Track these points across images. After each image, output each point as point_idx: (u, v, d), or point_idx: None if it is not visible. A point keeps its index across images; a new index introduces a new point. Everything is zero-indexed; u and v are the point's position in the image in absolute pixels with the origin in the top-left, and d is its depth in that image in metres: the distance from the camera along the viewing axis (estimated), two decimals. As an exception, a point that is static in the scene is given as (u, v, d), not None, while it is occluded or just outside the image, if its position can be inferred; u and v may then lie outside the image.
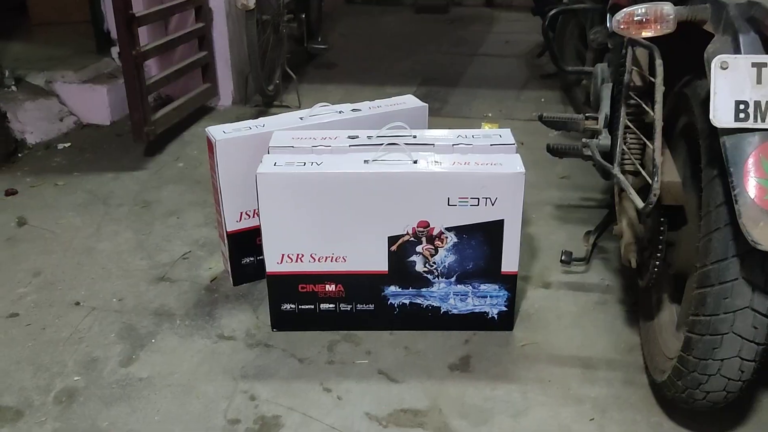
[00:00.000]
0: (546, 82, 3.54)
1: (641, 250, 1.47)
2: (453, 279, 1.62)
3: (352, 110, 1.84)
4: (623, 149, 1.42)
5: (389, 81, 3.58)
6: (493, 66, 3.90)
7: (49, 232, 2.14)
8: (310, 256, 1.60)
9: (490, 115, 3.08)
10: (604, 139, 1.55)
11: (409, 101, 1.91)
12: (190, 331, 1.70)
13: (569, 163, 2.53)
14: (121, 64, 2.34)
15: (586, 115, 1.63)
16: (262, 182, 1.52)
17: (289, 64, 3.27)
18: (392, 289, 1.63)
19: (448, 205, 1.53)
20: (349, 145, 1.64)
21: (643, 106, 1.35)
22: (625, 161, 1.43)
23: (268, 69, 3.08)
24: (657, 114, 1.20)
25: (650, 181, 1.21)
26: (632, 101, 1.40)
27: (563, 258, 1.88)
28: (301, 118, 1.80)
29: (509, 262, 1.60)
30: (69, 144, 2.78)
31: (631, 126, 1.38)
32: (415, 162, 1.54)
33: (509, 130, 1.72)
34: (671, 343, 1.40)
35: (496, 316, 1.66)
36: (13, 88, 2.83)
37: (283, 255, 1.60)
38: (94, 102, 2.90)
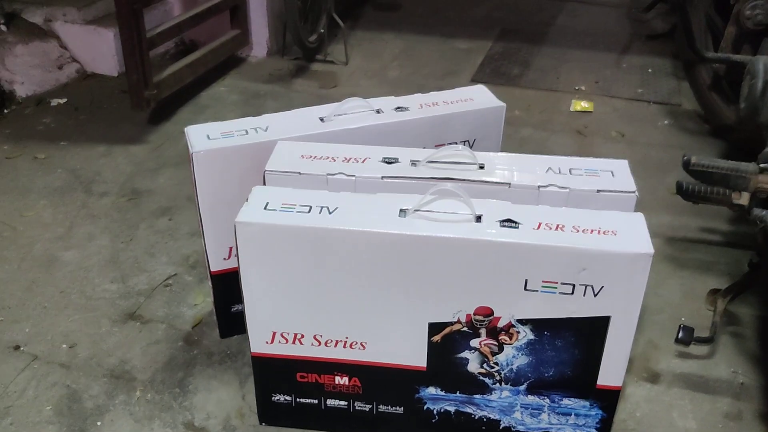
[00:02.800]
0: (654, 44, 2.86)
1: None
2: (522, 387, 1.09)
3: (396, 109, 1.29)
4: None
5: (460, 32, 2.95)
6: (588, 17, 3.21)
7: (10, 229, 1.69)
8: (314, 337, 1.09)
9: (583, 88, 2.45)
10: (793, 214, 0.96)
11: (480, 97, 1.34)
12: (150, 412, 1.23)
13: (686, 174, 1.92)
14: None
15: (761, 165, 1.03)
16: (245, 235, 1.00)
17: (345, 1, 2.68)
18: (431, 391, 1.11)
19: (525, 289, 0.99)
20: (382, 176, 1.09)
21: None
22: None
23: (311, 15, 2.51)
24: None
25: None
26: None
27: (680, 336, 1.32)
28: (321, 119, 1.25)
29: (610, 374, 1.05)
30: (65, 100, 2.30)
31: None
32: (479, 219, 0.99)
33: (626, 162, 1.14)
34: None
35: (581, 439, 1.13)
36: (3, 27, 2.34)
37: (274, 333, 1.09)
38: (100, 48, 2.40)
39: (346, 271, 1.01)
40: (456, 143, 1.29)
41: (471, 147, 1.30)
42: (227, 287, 1.30)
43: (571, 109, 2.28)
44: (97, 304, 1.46)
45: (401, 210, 1.01)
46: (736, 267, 1.56)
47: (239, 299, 1.29)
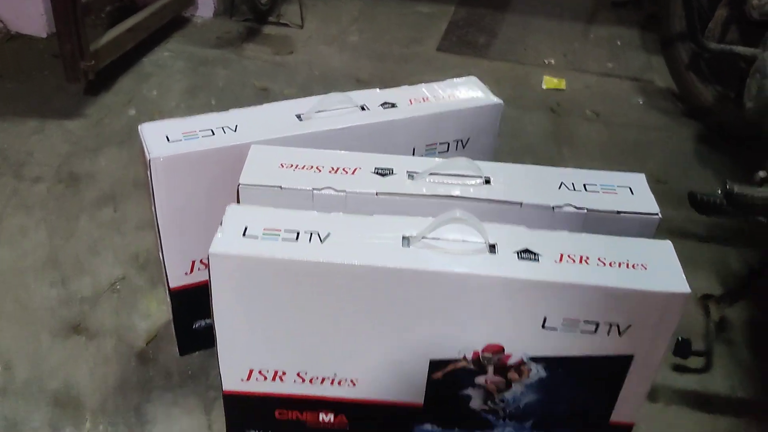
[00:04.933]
0: (620, 13, 2.76)
1: None
2: (528, 424, 0.99)
3: (383, 105, 1.14)
4: None
5: (421, -7, 2.78)
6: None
7: (-74, 221, 1.48)
8: (297, 374, 0.95)
9: (552, 62, 2.33)
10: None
11: (474, 92, 1.20)
12: (102, 448, 1.08)
13: (665, 158, 1.85)
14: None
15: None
16: (222, 269, 0.85)
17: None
18: (427, 427, 1.00)
19: (543, 327, 0.88)
20: (377, 192, 0.95)
21: None
22: None
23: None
24: None
25: None
26: None
27: (677, 350, 1.25)
28: (299, 117, 1.10)
29: (626, 410, 0.96)
30: (-14, 65, 2.05)
31: None
32: (493, 249, 0.87)
33: (644, 177, 1.04)
34: None
35: (585, 474, 1.04)
36: None
37: (251, 371, 0.95)
38: (25, 5, 2.13)
39: (340, 306, 0.88)
40: (448, 144, 1.16)
41: (464, 146, 1.18)
42: (189, 303, 1.15)
43: (543, 87, 2.16)
44: (34, 315, 1.29)
45: (404, 237, 0.87)
46: (723, 266, 1.50)
47: (202, 315, 1.16)
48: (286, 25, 2.41)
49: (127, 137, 1.76)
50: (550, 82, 2.16)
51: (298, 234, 0.87)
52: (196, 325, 1.19)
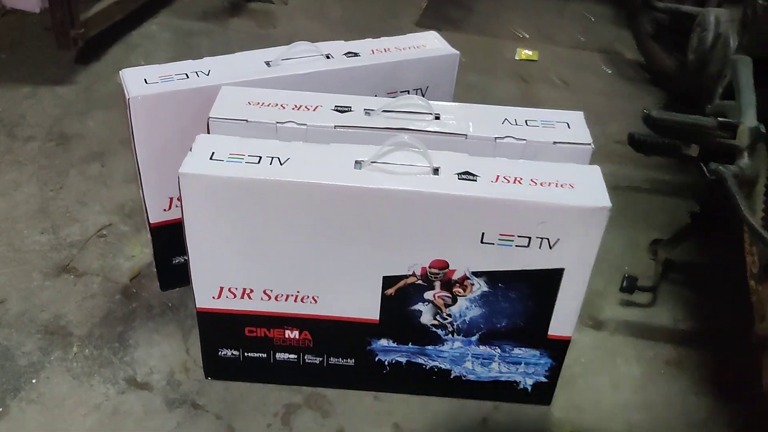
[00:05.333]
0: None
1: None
2: (474, 338, 1.09)
3: (346, 54, 1.23)
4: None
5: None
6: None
7: (-75, 176, 1.57)
8: (264, 292, 1.05)
9: (526, 36, 2.42)
10: (749, 168, 0.96)
11: (433, 44, 1.29)
12: (89, 368, 1.18)
13: (628, 122, 1.94)
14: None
15: (721, 120, 1.03)
16: (190, 188, 0.95)
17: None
18: (383, 342, 1.10)
19: (482, 242, 0.97)
20: (335, 125, 1.05)
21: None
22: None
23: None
24: None
25: None
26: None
27: (624, 285, 1.34)
28: (267, 64, 1.19)
29: (562, 325, 1.06)
30: (-19, 37, 2.14)
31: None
32: (436, 171, 0.97)
33: (582, 114, 1.13)
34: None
35: (529, 387, 1.14)
36: None
37: (222, 288, 1.05)
38: (18, -21, 2.23)
39: (298, 224, 0.97)
40: (408, 91, 1.25)
41: (423, 95, 1.27)
42: (168, 239, 1.24)
43: (516, 58, 2.26)
44: (27, 257, 1.38)
45: (357, 161, 0.97)
46: (676, 217, 1.59)
47: (181, 251, 1.23)
48: (270, 1, 2.50)
49: (114, 102, 1.83)
50: (522, 53, 2.25)
51: (260, 158, 0.97)
52: (176, 260, 1.29)
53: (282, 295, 1.05)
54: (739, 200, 0.86)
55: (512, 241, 0.97)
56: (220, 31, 2.27)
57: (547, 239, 0.96)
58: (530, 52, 2.27)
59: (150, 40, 2.17)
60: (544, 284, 1.01)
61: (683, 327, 1.34)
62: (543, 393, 1.15)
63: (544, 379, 1.13)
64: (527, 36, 2.42)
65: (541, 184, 0.96)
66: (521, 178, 0.96)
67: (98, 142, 1.70)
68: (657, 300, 1.39)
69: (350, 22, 2.42)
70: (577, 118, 1.11)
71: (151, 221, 1.22)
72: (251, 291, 1.05)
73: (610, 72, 2.22)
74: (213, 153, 0.97)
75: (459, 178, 0.96)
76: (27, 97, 1.86)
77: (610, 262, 1.46)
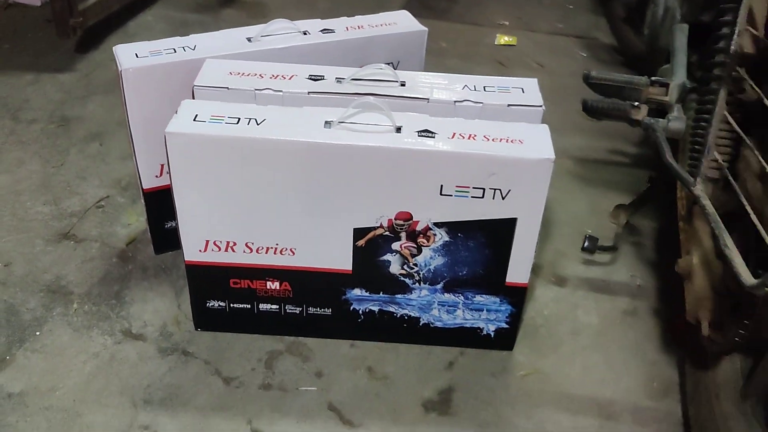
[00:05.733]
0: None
1: (720, 307, 1.00)
2: (439, 286, 1.19)
3: (322, 31, 1.34)
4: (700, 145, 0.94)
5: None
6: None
7: (-65, 155, 1.68)
8: (245, 245, 1.16)
9: (506, 23, 2.53)
10: (677, 121, 1.06)
11: (403, 21, 1.40)
12: (88, 322, 1.28)
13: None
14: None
15: (652, 78, 1.14)
16: (175, 146, 1.05)
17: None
18: (357, 292, 1.20)
19: (441, 194, 1.08)
20: (309, 92, 1.15)
21: (752, 85, 0.87)
22: (711, 166, 0.96)
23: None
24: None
25: (760, 228, 0.76)
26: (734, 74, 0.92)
27: (586, 245, 1.44)
28: (248, 40, 1.30)
29: (518, 272, 1.16)
30: (-16, 29, 2.25)
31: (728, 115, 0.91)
32: (399, 130, 1.07)
33: (536, 81, 1.23)
34: (733, 420, 0.99)
35: (492, 333, 1.24)
36: None
37: (207, 242, 1.15)
38: (20, -25, 2.33)
39: (274, 180, 1.08)
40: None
41: (395, 69, 1.37)
42: (160, 204, 1.35)
43: (496, 43, 2.36)
44: (30, 225, 1.49)
45: (326, 122, 1.07)
46: (638, 185, 1.69)
47: (172, 216, 1.34)
48: (265, -7, 2.61)
49: (113, 87, 1.94)
50: (501, 38, 2.36)
51: (239, 119, 1.07)
52: (168, 225, 1.39)
53: (262, 248, 1.16)
54: (664, 147, 0.96)
55: (468, 192, 1.07)
56: (213, 22, 2.37)
57: (500, 190, 1.07)
58: (509, 38, 2.37)
59: (146, 29, 2.28)
60: (500, 233, 1.11)
61: (639, 282, 1.44)
62: (505, 339, 1.25)
63: (505, 326, 1.23)
64: (507, 23, 2.53)
65: (493, 140, 1.06)
66: (475, 135, 1.07)
67: (97, 123, 1.81)
68: (617, 260, 1.49)
69: (338, 12, 2.50)
70: (531, 84, 1.21)
71: (144, 187, 1.32)
72: (234, 244, 1.15)
73: (585, 55, 2.33)
74: (196, 115, 1.07)
75: (419, 135, 1.06)
76: (30, 83, 1.97)
77: (575, 226, 1.56)
